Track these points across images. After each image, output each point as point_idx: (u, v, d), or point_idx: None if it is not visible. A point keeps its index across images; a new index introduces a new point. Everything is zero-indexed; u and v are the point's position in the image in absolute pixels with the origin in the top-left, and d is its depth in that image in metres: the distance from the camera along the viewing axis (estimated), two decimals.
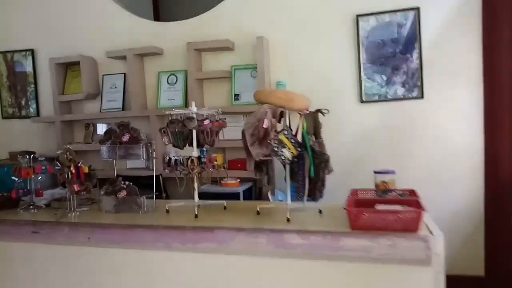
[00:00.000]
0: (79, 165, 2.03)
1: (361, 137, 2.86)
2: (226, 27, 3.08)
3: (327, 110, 1.73)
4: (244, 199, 2.77)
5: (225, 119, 1.94)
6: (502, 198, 2.60)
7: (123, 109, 3.31)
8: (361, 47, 2.81)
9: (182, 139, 1.96)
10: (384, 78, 2.80)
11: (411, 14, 2.71)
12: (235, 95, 3.06)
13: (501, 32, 2.54)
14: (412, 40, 2.72)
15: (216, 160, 1.89)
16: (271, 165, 1.77)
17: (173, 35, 3.21)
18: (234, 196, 2.71)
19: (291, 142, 1.63)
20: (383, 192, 1.80)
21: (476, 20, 2.61)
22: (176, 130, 1.90)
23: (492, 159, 2.63)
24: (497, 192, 2.62)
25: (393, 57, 2.77)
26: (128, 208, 1.99)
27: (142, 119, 3.21)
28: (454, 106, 2.69)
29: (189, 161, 1.84)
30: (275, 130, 1.64)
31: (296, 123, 1.72)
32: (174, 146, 2.00)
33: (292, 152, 1.62)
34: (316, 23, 2.90)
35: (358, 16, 2.80)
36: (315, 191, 1.65)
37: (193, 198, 1.94)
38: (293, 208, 1.76)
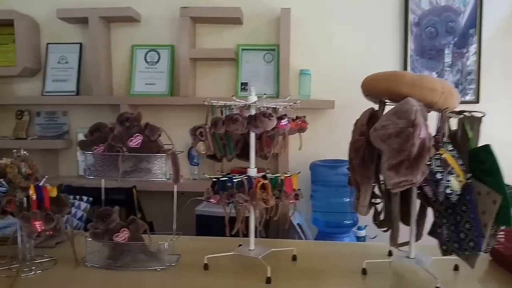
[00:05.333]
0: (41, 184, 1.16)
1: None
2: None
3: (482, 113, 1.10)
4: None
5: (305, 117, 1.21)
6: None
7: (77, 93, 2.36)
8: (409, 35, 2.24)
9: (230, 146, 1.20)
10: (435, 75, 2.26)
11: (472, 0, 2.20)
12: (241, 83, 2.31)
13: None
14: (471, 32, 2.22)
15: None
16: (395, 198, 1.09)
17: None
18: None
19: (459, 164, 0.97)
20: None
21: None
22: (223, 133, 1.13)
23: None
24: None
25: (447, 50, 2.25)
26: (133, 262, 1.17)
27: (107, 109, 2.31)
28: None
29: (257, 186, 1.08)
30: (434, 144, 0.97)
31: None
32: (211, 157, 1.23)
33: (460, 181, 0.96)
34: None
35: None
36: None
37: (249, 244, 1.19)
38: (407, 263, 1.10)
